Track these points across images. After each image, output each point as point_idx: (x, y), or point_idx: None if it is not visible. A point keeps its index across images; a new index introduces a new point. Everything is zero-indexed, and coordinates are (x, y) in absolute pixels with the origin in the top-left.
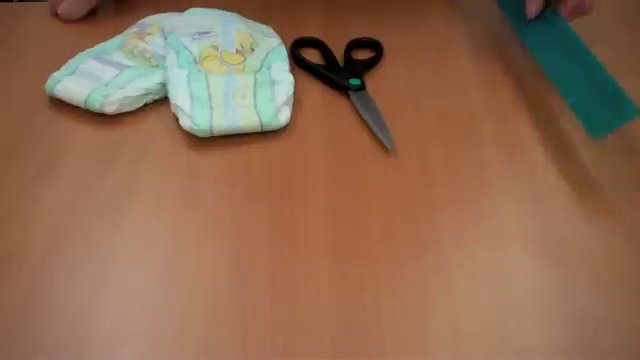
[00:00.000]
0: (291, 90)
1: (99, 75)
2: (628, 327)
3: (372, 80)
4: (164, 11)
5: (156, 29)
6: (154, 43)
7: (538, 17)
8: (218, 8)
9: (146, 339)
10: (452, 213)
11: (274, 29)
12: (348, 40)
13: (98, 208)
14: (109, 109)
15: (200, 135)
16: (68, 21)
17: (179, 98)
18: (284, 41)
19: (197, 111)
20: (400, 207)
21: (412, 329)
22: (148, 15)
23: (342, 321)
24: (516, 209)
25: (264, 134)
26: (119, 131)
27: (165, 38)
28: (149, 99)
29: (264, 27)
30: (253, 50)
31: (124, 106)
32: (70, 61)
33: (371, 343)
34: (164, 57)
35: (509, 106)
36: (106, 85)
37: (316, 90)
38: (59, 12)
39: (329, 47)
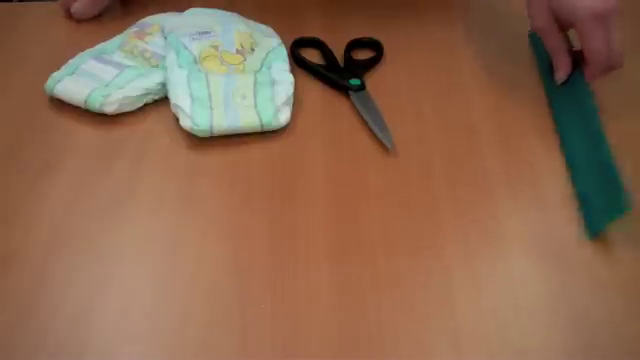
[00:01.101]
0: (291, 90)
1: (99, 75)
2: (627, 329)
3: (372, 80)
4: (165, 11)
5: (156, 29)
6: (154, 43)
7: (567, 80)
8: (218, 8)
9: (146, 339)
10: (452, 213)
11: (274, 29)
12: (348, 40)
13: (98, 208)
14: (109, 109)
15: (200, 135)
16: (69, 21)
17: (179, 98)
18: (284, 41)
19: (197, 111)
20: (400, 207)
21: (412, 329)
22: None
23: (342, 321)
24: (516, 210)
25: (264, 134)
26: (119, 131)
27: (165, 38)
28: (149, 99)
29: (264, 27)
30: (253, 50)
31: (124, 106)
32: (70, 61)
33: (371, 343)
34: (164, 57)
35: (509, 107)
36: (106, 85)
37: (316, 90)
38: (72, 11)
39: (329, 47)
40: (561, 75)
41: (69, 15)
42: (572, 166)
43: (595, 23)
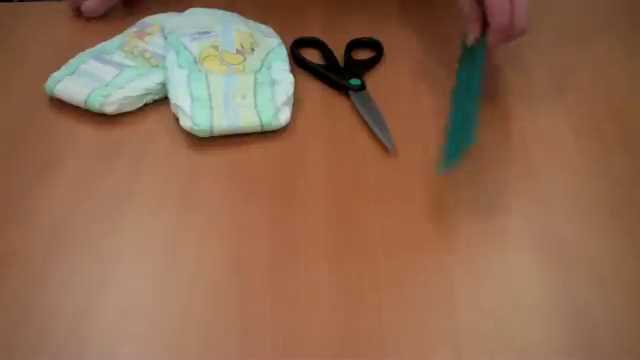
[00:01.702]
0: (291, 90)
1: (99, 75)
2: (628, 327)
3: (372, 80)
4: (167, 11)
5: (156, 29)
6: (154, 43)
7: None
8: (218, 8)
9: (146, 339)
10: (452, 213)
11: (274, 29)
12: (348, 40)
13: (98, 208)
14: (109, 109)
15: (200, 135)
16: (69, 21)
17: (179, 98)
18: (284, 41)
19: (197, 111)
20: (400, 207)
21: (412, 329)
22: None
23: (342, 321)
24: (516, 209)
25: (264, 134)
26: (119, 131)
27: (165, 38)
28: (149, 99)
29: (264, 27)
30: (253, 50)
31: (124, 106)
32: (70, 61)
33: (371, 343)
34: (164, 57)
35: (509, 105)
36: (106, 85)
37: (316, 90)
38: (83, 9)
39: (329, 47)
40: (470, 39)
41: (78, 14)
42: (449, 116)
43: None
